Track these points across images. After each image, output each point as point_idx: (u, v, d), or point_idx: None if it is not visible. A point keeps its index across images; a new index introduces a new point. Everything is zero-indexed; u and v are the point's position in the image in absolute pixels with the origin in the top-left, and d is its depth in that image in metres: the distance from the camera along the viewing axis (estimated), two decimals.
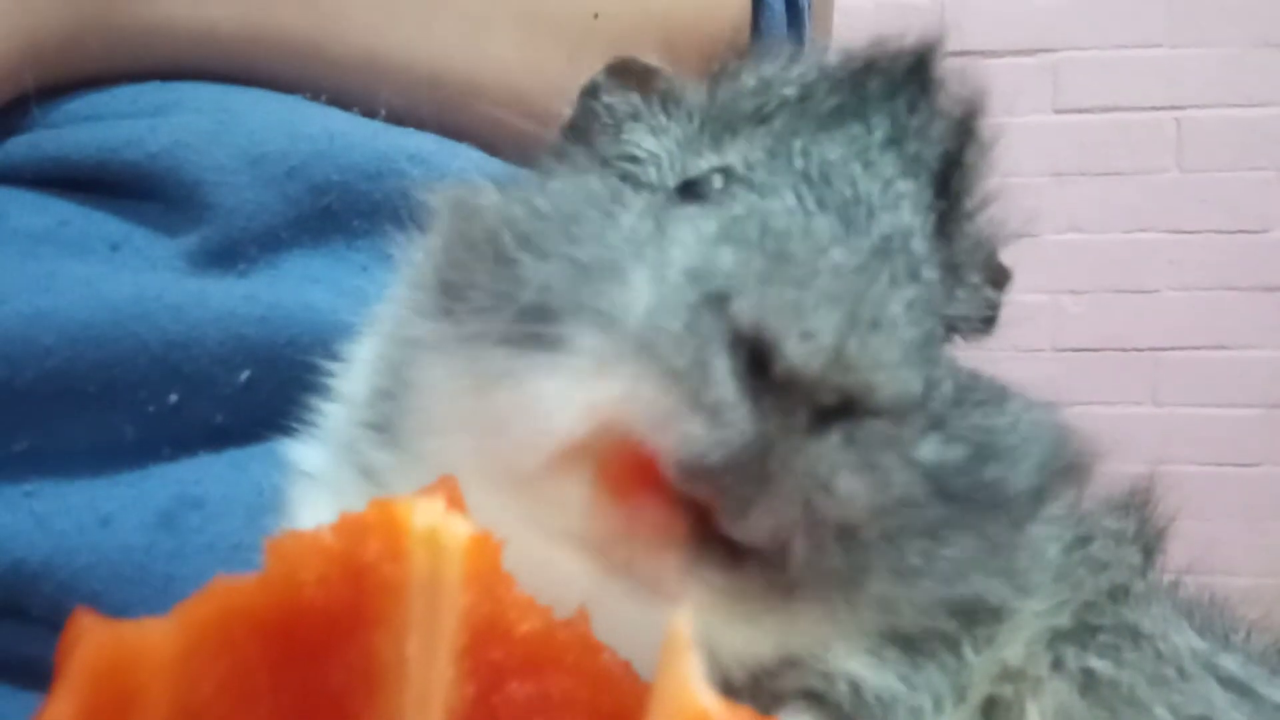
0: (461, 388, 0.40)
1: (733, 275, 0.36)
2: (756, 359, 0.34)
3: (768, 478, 0.34)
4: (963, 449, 0.39)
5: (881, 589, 0.37)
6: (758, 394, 0.34)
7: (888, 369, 0.35)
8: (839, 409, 0.34)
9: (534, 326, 0.37)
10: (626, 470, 0.35)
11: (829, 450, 0.34)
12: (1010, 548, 0.41)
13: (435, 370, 0.42)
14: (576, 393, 0.36)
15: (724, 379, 0.34)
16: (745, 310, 0.34)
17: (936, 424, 0.39)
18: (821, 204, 0.40)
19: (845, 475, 0.35)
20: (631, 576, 0.36)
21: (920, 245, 0.41)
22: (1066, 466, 0.45)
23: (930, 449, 0.38)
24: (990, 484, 0.40)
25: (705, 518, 0.35)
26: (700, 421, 0.34)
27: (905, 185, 0.43)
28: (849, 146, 0.43)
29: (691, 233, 0.39)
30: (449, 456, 0.39)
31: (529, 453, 0.37)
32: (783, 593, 0.36)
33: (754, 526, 0.34)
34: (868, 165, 0.43)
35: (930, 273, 0.41)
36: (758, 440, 0.33)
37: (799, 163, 0.43)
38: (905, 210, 0.42)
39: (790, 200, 0.40)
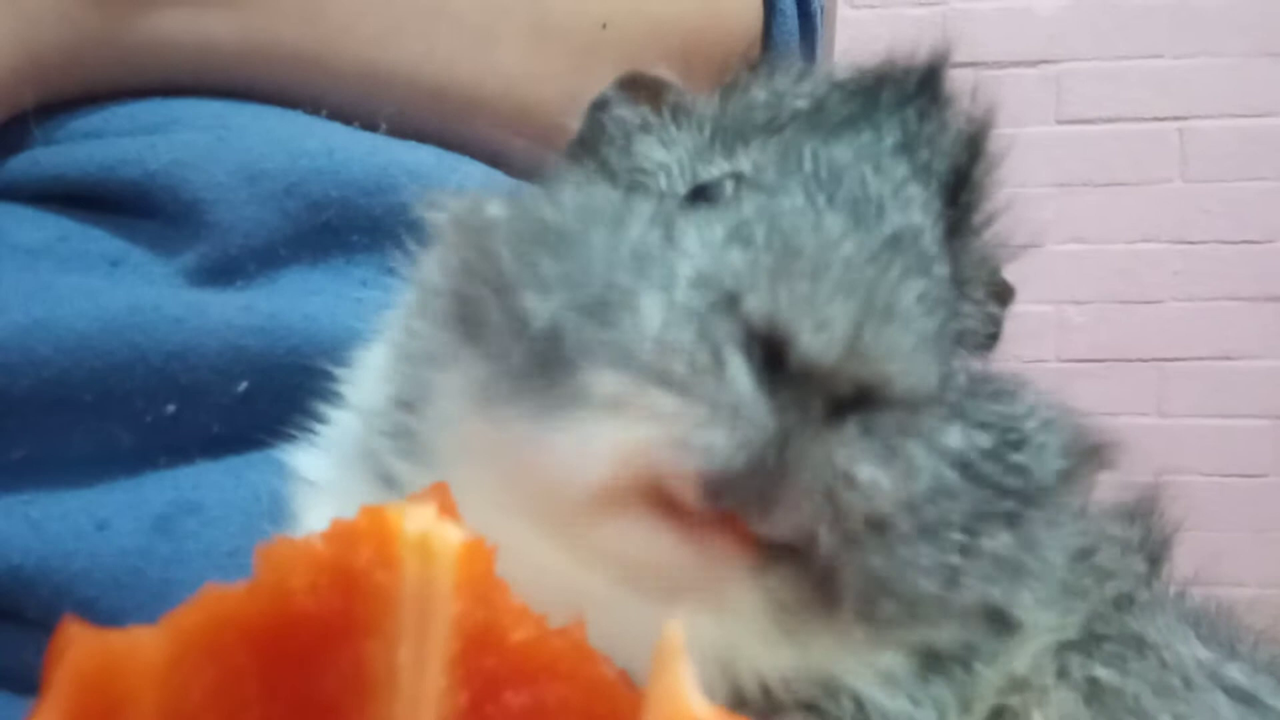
0: (485, 436, 0.39)
1: (742, 275, 0.36)
2: (771, 356, 0.34)
3: (786, 471, 0.33)
4: (989, 436, 0.39)
5: (928, 589, 0.37)
6: (774, 390, 0.34)
7: (903, 358, 0.34)
8: (855, 401, 0.34)
9: (548, 366, 0.36)
10: (664, 499, 0.35)
11: (846, 440, 0.34)
12: (1043, 546, 0.41)
13: (456, 409, 0.41)
14: (603, 442, 0.35)
15: (739, 377, 0.34)
16: (757, 307, 0.34)
17: (957, 413, 0.39)
18: (831, 202, 0.40)
19: (864, 464, 0.34)
20: (687, 591, 0.35)
21: (931, 243, 0.41)
22: (1088, 451, 0.44)
23: (955, 437, 0.38)
24: (1022, 470, 0.40)
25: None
26: (720, 430, 0.33)
27: (915, 189, 0.43)
28: (859, 150, 0.43)
29: (697, 239, 0.38)
30: (474, 484, 0.38)
31: (562, 497, 0.36)
32: (834, 606, 0.36)
33: (778, 522, 0.34)
34: (878, 168, 0.42)
35: (941, 269, 0.41)
36: (777, 436, 0.33)
37: (808, 165, 0.42)
38: (915, 211, 0.42)
39: (799, 199, 0.40)
